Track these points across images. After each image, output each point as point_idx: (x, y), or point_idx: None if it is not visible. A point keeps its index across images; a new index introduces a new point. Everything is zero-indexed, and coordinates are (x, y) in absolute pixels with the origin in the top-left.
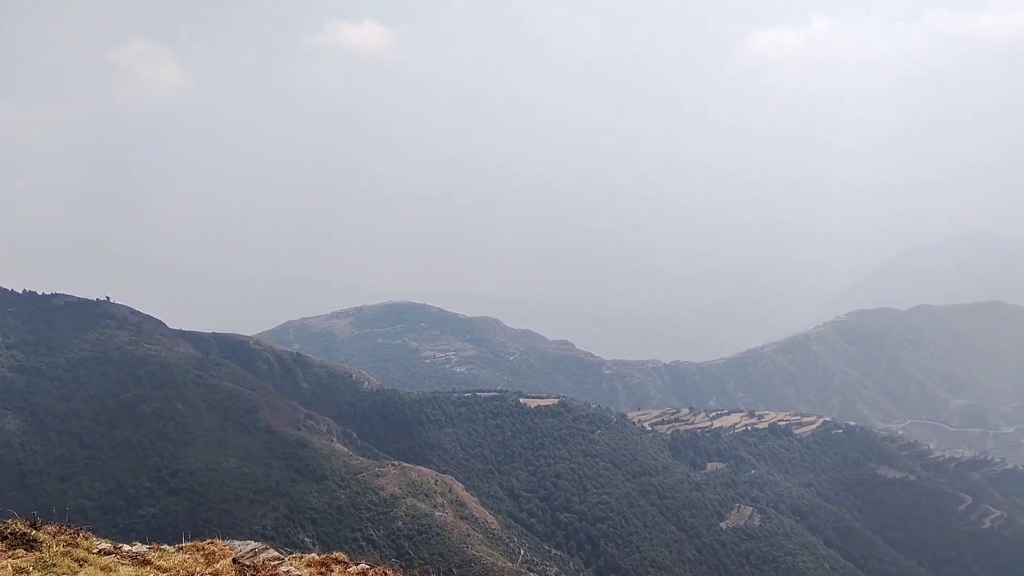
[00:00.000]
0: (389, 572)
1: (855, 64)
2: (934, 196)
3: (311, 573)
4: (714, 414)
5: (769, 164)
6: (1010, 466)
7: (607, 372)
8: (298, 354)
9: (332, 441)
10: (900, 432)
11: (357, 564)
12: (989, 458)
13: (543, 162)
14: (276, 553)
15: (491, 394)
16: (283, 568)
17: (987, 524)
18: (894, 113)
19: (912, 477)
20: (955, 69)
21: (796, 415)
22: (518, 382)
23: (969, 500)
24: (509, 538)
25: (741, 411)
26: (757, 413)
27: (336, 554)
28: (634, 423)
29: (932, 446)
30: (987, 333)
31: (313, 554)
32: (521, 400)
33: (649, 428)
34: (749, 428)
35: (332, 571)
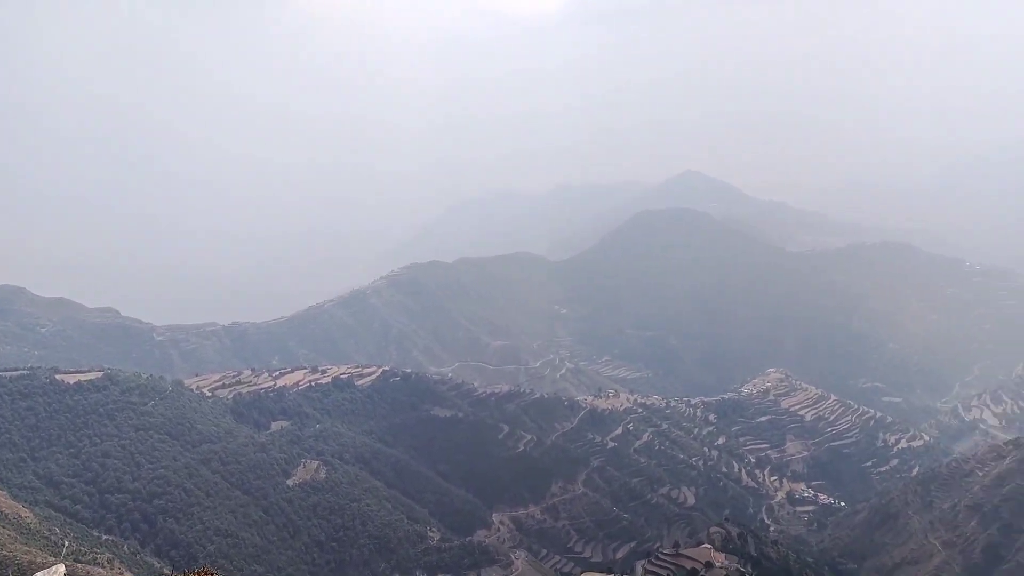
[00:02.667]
0: None
1: (398, 30)
2: (469, 156)
3: None
4: (277, 373)
5: (322, 136)
6: (537, 395)
7: (159, 339)
8: None
9: None
10: (450, 374)
11: None
12: (522, 390)
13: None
14: None
15: (18, 372)
16: None
17: (521, 447)
18: (429, 81)
19: (460, 414)
20: (485, 38)
21: (357, 367)
22: (53, 357)
23: (507, 429)
24: (50, 531)
25: (304, 368)
26: (320, 368)
27: None
28: (192, 390)
29: (476, 384)
30: (517, 280)
31: None
32: (57, 376)
33: (209, 394)
34: (313, 384)
35: None
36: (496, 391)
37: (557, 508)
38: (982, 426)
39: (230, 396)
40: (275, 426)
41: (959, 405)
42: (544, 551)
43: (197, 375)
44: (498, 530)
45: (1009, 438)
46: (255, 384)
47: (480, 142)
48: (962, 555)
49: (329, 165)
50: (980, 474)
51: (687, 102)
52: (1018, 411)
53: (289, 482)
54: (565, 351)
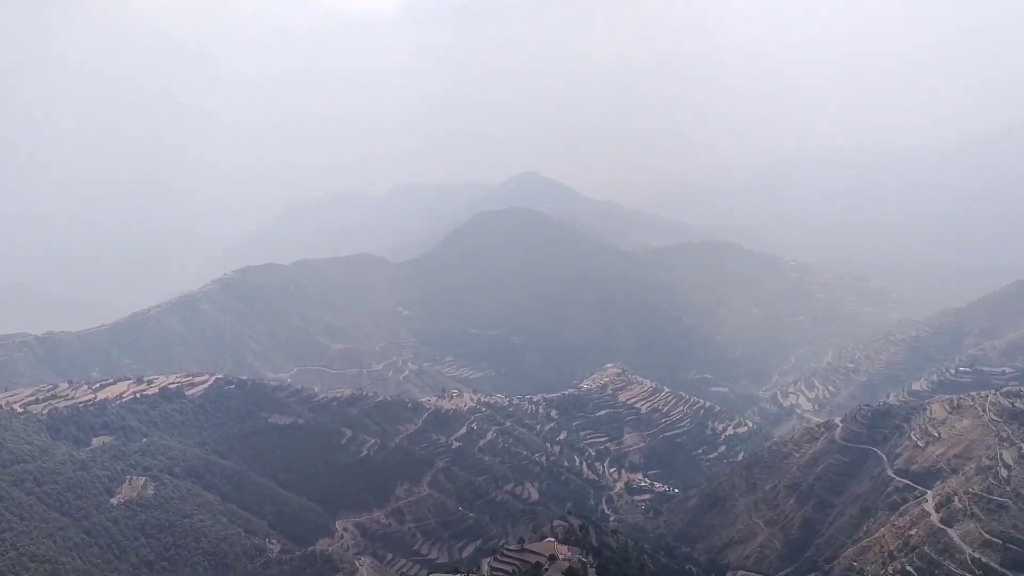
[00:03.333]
0: None
1: (232, 12)
2: (305, 155)
3: None
4: (98, 385)
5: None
6: (381, 398)
7: None
8: None
9: None
10: (288, 380)
11: None
12: (364, 393)
13: None
14: None
15: None
16: None
17: (365, 452)
18: (257, 72)
19: (301, 420)
20: (319, 32)
21: (188, 376)
22: None
23: (349, 433)
24: None
25: (129, 379)
26: (146, 379)
27: None
28: (1, 406)
29: (317, 389)
30: (358, 282)
31: None
32: None
33: (21, 409)
34: (138, 395)
35: None
36: (337, 395)
37: (402, 511)
38: (798, 411)
39: (45, 411)
40: (96, 442)
41: (778, 392)
42: (390, 555)
43: (7, 390)
44: (342, 537)
45: (821, 421)
46: (73, 398)
47: (315, 141)
48: (783, 532)
49: (147, 151)
50: (797, 455)
51: (525, 104)
52: (828, 396)
53: (113, 500)
54: (408, 352)
